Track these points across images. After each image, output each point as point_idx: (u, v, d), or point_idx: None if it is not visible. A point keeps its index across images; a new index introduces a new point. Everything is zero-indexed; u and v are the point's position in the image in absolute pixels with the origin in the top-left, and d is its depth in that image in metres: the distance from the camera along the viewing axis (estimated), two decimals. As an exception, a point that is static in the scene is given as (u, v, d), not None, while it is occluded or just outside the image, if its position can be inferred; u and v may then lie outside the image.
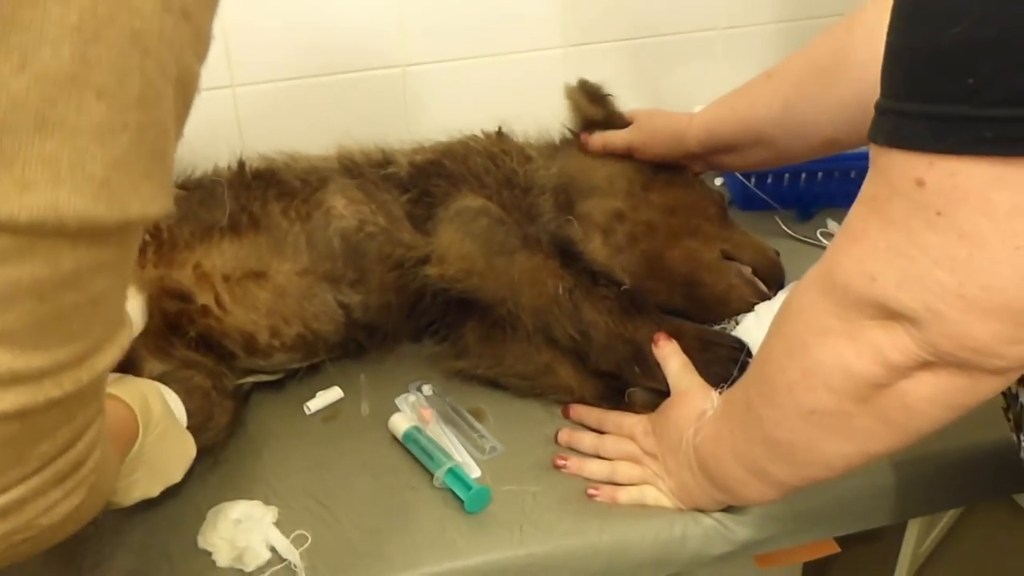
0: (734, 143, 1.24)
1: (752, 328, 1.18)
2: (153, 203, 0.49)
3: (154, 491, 0.93)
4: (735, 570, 1.64)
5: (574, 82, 1.37)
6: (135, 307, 1.05)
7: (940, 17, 0.59)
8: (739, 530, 1.00)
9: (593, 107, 1.34)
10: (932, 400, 0.71)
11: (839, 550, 1.10)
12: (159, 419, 0.91)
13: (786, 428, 0.81)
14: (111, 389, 0.84)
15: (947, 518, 1.97)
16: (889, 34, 0.64)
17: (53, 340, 0.48)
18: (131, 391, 0.88)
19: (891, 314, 0.68)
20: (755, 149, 1.23)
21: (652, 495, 1.02)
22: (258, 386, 1.21)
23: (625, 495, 1.03)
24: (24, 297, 0.45)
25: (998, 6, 0.56)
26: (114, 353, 0.53)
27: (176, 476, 0.96)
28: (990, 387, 0.69)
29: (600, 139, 1.29)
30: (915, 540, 1.87)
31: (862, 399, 0.73)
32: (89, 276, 0.48)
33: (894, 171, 0.64)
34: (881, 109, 0.65)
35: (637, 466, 1.04)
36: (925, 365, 0.69)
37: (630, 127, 1.31)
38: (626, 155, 1.30)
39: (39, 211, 0.43)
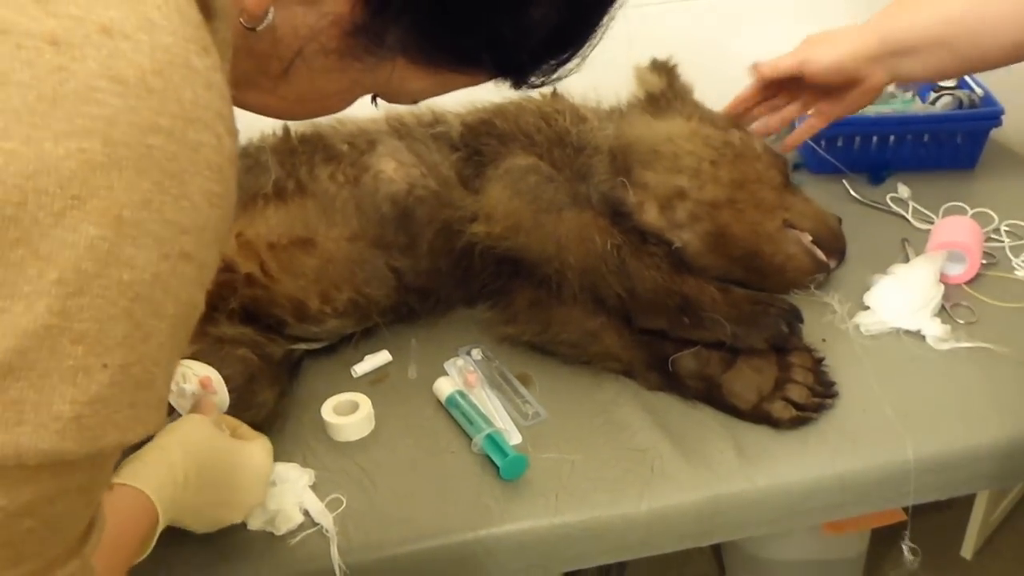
0: (911, 44, 1.11)
1: (888, 288, 1.18)
2: (136, 427, 0.47)
3: (229, 519, 0.90)
4: (802, 537, 1.62)
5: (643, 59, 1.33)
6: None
7: None
8: (779, 500, 0.98)
9: (654, 77, 1.29)
10: None
11: (906, 518, 1.06)
12: (194, 473, 0.83)
13: None
14: (123, 476, 0.77)
15: (1018, 488, 1.92)
16: None
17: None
18: (149, 470, 0.80)
19: None
20: (934, 52, 1.10)
21: None
22: (310, 350, 1.20)
23: None
24: None
25: None
26: (72, 567, 0.51)
27: (252, 497, 0.91)
28: None
29: (768, 65, 1.21)
30: (984, 509, 1.82)
31: None
32: (49, 503, 0.47)
33: None
34: None
35: None
36: None
37: (800, 44, 1.20)
38: (798, 77, 1.19)
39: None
